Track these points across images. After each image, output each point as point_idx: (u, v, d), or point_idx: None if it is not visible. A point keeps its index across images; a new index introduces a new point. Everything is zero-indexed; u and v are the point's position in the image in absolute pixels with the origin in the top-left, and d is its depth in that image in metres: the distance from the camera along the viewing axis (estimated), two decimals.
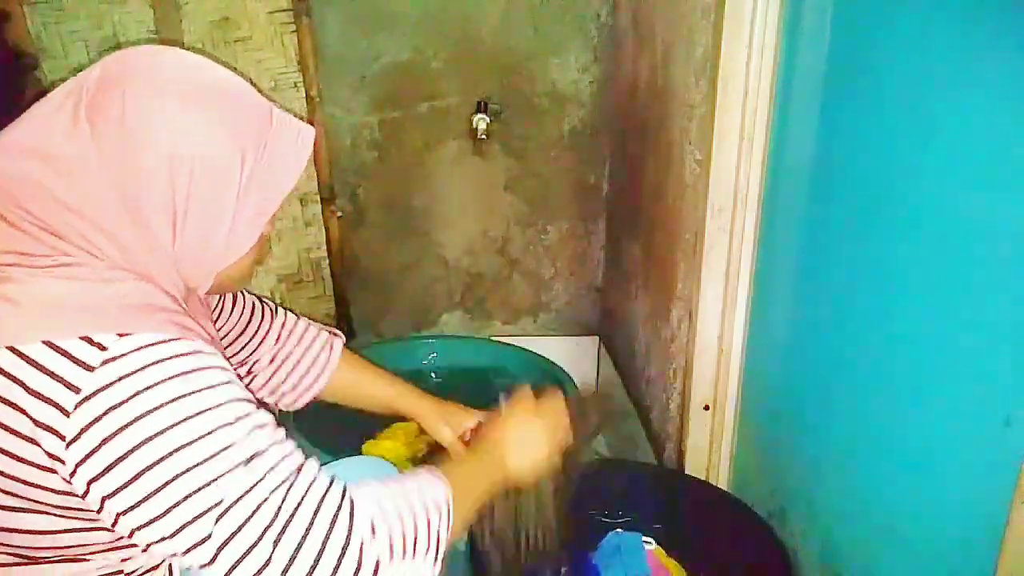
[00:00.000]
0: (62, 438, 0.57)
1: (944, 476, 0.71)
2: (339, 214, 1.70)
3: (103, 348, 0.58)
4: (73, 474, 0.58)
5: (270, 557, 0.60)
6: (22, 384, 0.57)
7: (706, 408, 1.18)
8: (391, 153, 1.67)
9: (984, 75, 0.64)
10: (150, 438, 0.57)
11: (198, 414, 0.59)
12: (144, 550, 0.64)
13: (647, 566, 1.04)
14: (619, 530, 1.11)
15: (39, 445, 0.58)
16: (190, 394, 0.59)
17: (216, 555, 0.60)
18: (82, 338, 0.58)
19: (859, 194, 0.82)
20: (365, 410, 1.01)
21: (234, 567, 0.60)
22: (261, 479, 0.61)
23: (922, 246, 0.72)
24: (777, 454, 1.05)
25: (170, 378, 0.59)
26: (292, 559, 0.61)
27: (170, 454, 0.58)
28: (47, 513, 0.62)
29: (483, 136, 1.61)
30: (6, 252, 0.60)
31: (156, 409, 0.58)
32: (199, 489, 0.58)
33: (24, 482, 0.59)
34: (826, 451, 0.92)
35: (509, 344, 1.67)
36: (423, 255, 1.77)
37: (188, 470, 0.58)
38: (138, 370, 0.58)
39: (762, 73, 1.00)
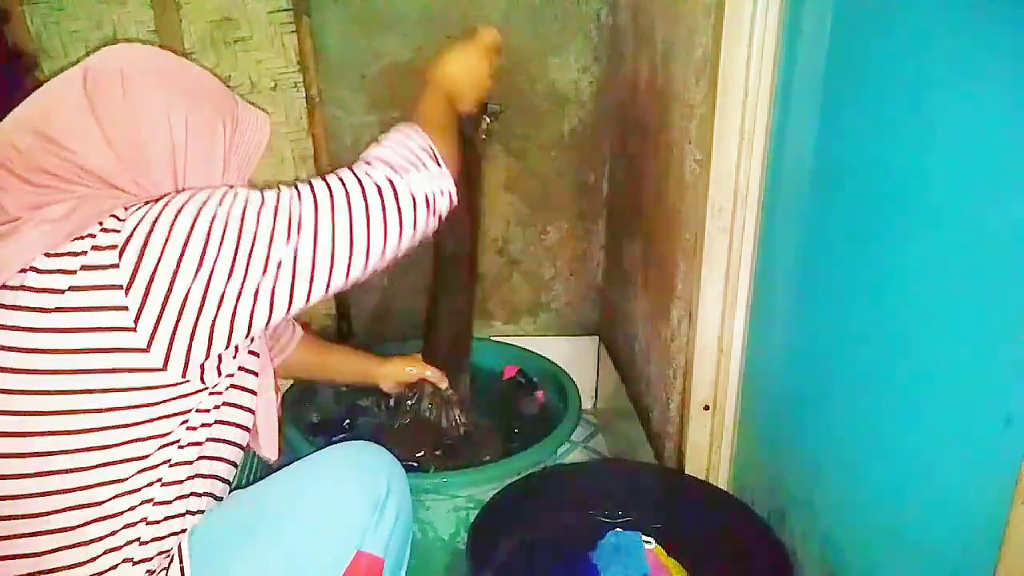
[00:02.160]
0: (120, 287, 0.68)
1: (944, 476, 0.71)
2: None
3: (120, 218, 0.71)
4: (138, 319, 0.69)
5: (354, 246, 0.75)
6: (68, 271, 0.68)
7: (706, 408, 1.18)
8: None
9: (986, 74, 0.64)
10: (186, 243, 0.69)
11: (211, 204, 0.72)
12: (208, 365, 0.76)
13: (647, 565, 1.04)
14: (618, 529, 1.11)
15: (104, 308, 0.69)
16: (194, 195, 0.72)
17: (310, 289, 0.74)
18: (99, 224, 0.70)
19: (859, 194, 0.82)
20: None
21: (331, 277, 0.75)
22: (300, 220, 0.73)
23: (922, 245, 0.72)
24: (777, 454, 1.05)
25: (176, 196, 0.72)
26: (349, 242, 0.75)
27: (212, 244, 0.70)
28: (114, 390, 0.71)
29: (483, 136, 1.59)
30: (25, 208, 0.71)
31: (176, 219, 0.70)
32: (252, 258, 0.71)
33: (92, 350, 0.69)
34: (826, 451, 0.92)
35: (509, 344, 1.67)
36: (423, 255, 1.75)
37: (237, 247, 0.71)
38: (151, 205, 0.71)
39: (762, 73, 1.00)
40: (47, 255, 0.70)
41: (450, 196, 0.82)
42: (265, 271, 0.72)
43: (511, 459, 1.23)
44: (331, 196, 0.76)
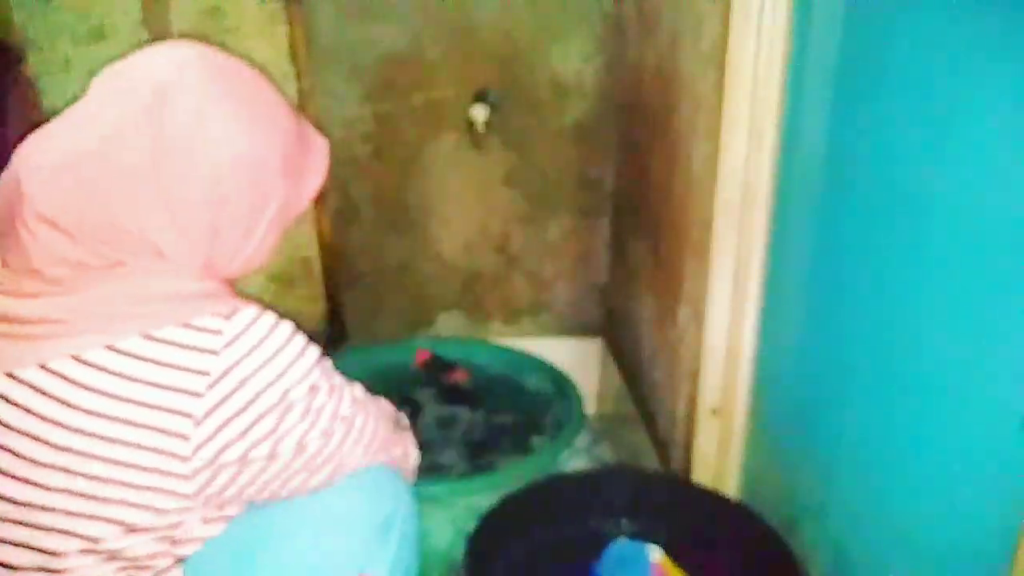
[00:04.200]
0: (190, 416, 0.66)
1: (959, 482, 0.71)
2: (330, 210, 1.67)
3: (218, 332, 0.67)
4: (196, 450, 0.67)
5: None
6: (138, 380, 0.65)
7: (715, 413, 1.17)
8: (385, 146, 1.65)
9: (1009, 62, 0.62)
10: (267, 412, 0.69)
11: (307, 381, 0.73)
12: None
13: None
14: (624, 539, 1.10)
15: (165, 431, 0.65)
16: (295, 362, 0.72)
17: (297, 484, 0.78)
18: (184, 326, 0.67)
19: (873, 189, 0.82)
20: None
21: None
22: (347, 433, 0.78)
23: (939, 243, 0.71)
24: (788, 461, 1.05)
25: (281, 349, 0.71)
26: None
27: (286, 423, 0.71)
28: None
29: (481, 129, 1.59)
30: (61, 261, 0.67)
31: (274, 382, 0.69)
32: (303, 457, 0.74)
33: (137, 467, 0.66)
34: (839, 458, 0.91)
35: (509, 346, 1.66)
36: (418, 253, 1.75)
37: (303, 436, 0.73)
38: (256, 345, 0.69)
39: (772, 62, 0.98)
40: (109, 348, 0.65)
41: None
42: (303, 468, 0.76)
43: (511, 467, 1.24)
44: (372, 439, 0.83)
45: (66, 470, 0.65)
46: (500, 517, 1.07)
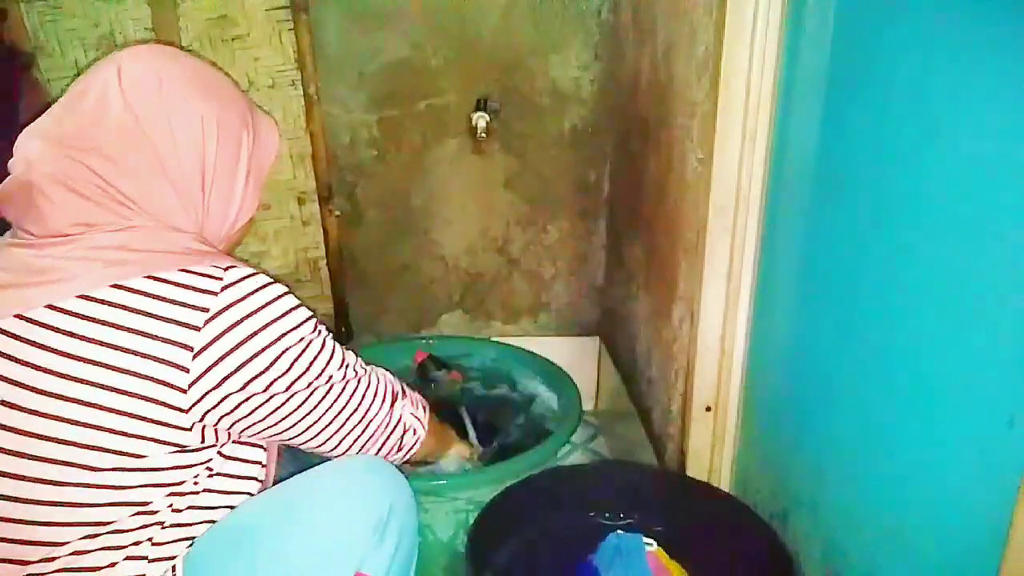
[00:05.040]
0: (190, 348, 0.69)
1: (948, 477, 0.70)
2: (337, 213, 1.69)
3: (216, 278, 0.72)
4: (192, 384, 0.70)
5: (357, 434, 0.89)
6: (142, 312, 0.69)
7: (708, 409, 1.17)
8: (390, 151, 1.67)
9: (991, 72, 0.63)
10: (263, 349, 0.73)
11: (300, 330, 0.77)
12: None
13: (648, 568, 1.03)
14: (619, 532, 1.10)
15: (165, 361, 0.69)
16: (291, 312, 0.76)
17: (304, 442, 0.85)
18: (182, 270, 0.71)
19: (863, 193, 0.82)
20: None
21: (321, 444, 0.87)
22: (353, 392, 0.86)
23: (926, 245, 0.71)
24: (780, 456, 1.04)
25: (276, 299, 0.75)
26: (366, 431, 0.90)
27: (281, 363, 0.75)
28: (141, 430, 0.71)
29: (483, 134, 1.60)
30: (77, 223, 0.71)
31: (269, 325, 0.73)
32: (304, 400, 0.79)
33: (139, 396, 0.69)
34: (829, 453, 0.91)
35: (509, 344, 1.66)
36: (422, 254, 1.76)
37: (295, 381, 0.77)
38: (252, 292, 0.73)
39: (765, 70, 0.99)
40: (115, 286, 0.69)
41: (415, 444, 0.99)
42: (299, 415, 0.81)
43: (511, 461, 1.23)
44: (373, 393, 0.91)
45: (67, 398, 0.67)
46: (500, 510, 1.07)
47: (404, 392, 0.98)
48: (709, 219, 1.07)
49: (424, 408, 1.01)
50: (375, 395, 0.90)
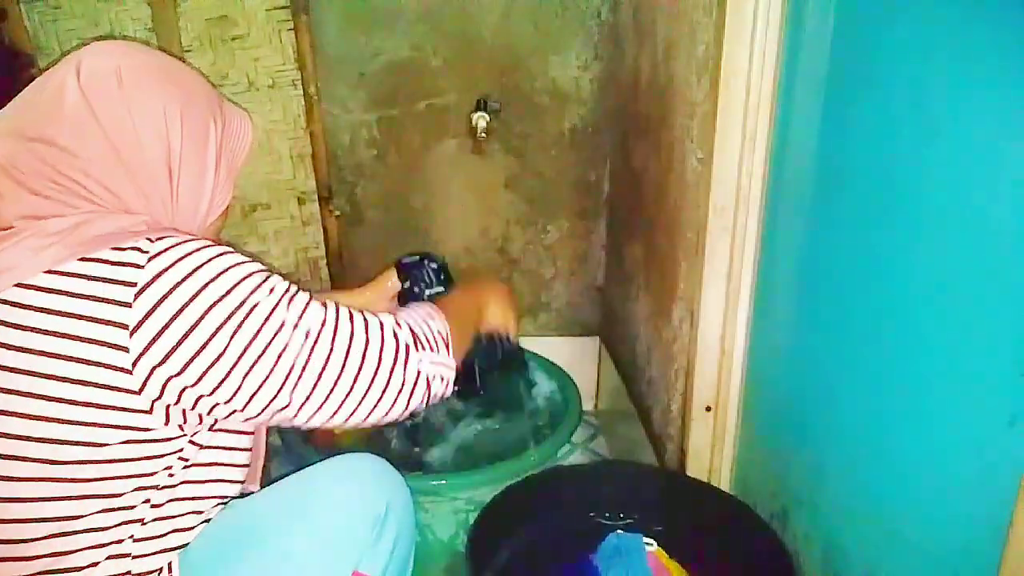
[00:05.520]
0: (125, 327, 0.66)
1: (948, 477, 0.70)
2: (337, 213, 1.69)
3: (143, 251, 0.68)
4: (136, 362, 0.67)
5: (351, 388, 0.76)
6: (75, 295, 0.66)
7: (708, 409, 1.17)
8: (390, 151, 1.67)
9: (991, 72, 0.63)
10: (204, 315, 0.68)
11: (243, 288, 0.71)
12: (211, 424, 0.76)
13: (648, 567, 1.04)
14: (620, 531, 1.10)
15: (103, 343, 0.66)
16: (228, 269, 0.70)
17: (296, 412, 0.75)
18: (113, 248, 0.68)
19: (862, 192, 0.82)
20: None
21: (317, 411, 0.76)
22: (318, 337, 0.74)
23: (926, 245, 0.71)
24: (780, 456, 1.04)
25: (209, 261, 0.70)
26: (364, 380, 0.77)
27: (228, 326, 0.69)
28: (99, 424, 0.68)
29: (483, 134, 1.60)
30: (22, 217, 0.69)
31: (204, 289, 0.68)
32: (262, 357, 0.71)
33: (84, 383, 0.66)
34: (829, 453, 0.91)
35: None
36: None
37: (251, 340, 0.70)
38: (180, 258, 0.68)
39: (764, 71, 0.99)
40: (49, 272, 0.67)
41: (447, 384, 0.85)
42: (267, 376, 0.72)
43: (511, 461, 1.23)
44: (352, 335, 0.77)
45: (11, 391, 0.66)
46: (501, 509, 1.07)
47: (420, 342, 0.82)
48: (709, 219, 1.07)
49: (447, 343, 0.85)
50: (367, 348, 0.77)
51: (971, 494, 0.67)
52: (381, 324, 0.80)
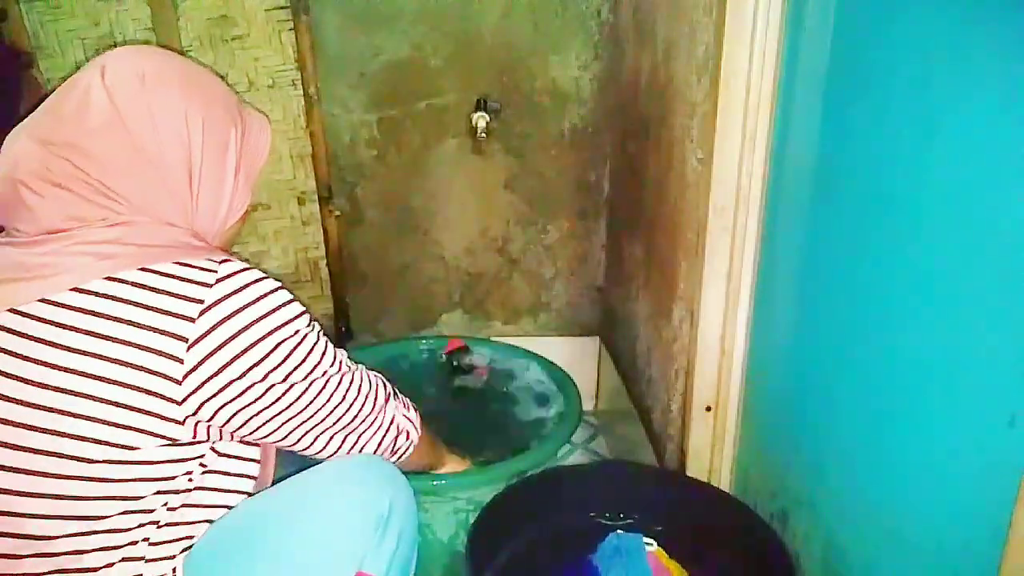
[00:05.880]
0: (184, 340, 0.69)
1: (948, 477, 0.70)
2: (337, 213, 1.69)
3: (210, 270, 0.72)
4: (187, 375, 0.70)
5: (351, 437, 0.89)
6: (138, 304, 0.69)
7: (708, 409, 1.17)
8: (390, 152, 1.67)
9: (991, 72, 0.63)
10: (257, 342, 0.73)
11: (296, 323, 0.77)
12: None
13: (648, 567, 1.04)
14: (620, 531, 1.10)
15: (160, 352, 0.69)
16: (285, 305, 0.76)
17: (293, 444, 0.84)
18: (177, 263, 0.71)
19: (863, 193, 0.82)
20: None
21: (311, 446, 0.86)
22: (336, 388, 0.83)
23: (926, 244, 0.71)
24: (780, 456, 1.04)
25: (271, 292, 0.75)
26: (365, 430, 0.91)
27: (275, 355, 0.74)
28: (136, 430, 0.71)
29: (483, 134, 1.60)
30: (69, 218, 0.71)
31: (263, 318, 0.73)
32: (298, 397, 0.79)
33: (133, 387, 0.69)
34: (829, 453, 0.91)
35: (509, 344, 1.66)
36: (422, 254, 1.77)
37: (289, 374, 0.77)
38: (247, 284, 0.73)
39: (764, 71, 0.99)
40: (109, 279, 0.69)
41: (411, 444, 0.98)
42: (298, 415, 0.81)
43: (511, 461, 1.23)
44: (359, 388, 0.89)
45: (61, 389, 0.68)
46: (501, 509, 1.07)
47: (396, 394, 0.97)
48: (709, 219, 1.07)
49: (416, 412, 1.00)
50: (368, 393, 0.89)
51: (971, 494, 0.67)
52: (371, 380, 0.93)
